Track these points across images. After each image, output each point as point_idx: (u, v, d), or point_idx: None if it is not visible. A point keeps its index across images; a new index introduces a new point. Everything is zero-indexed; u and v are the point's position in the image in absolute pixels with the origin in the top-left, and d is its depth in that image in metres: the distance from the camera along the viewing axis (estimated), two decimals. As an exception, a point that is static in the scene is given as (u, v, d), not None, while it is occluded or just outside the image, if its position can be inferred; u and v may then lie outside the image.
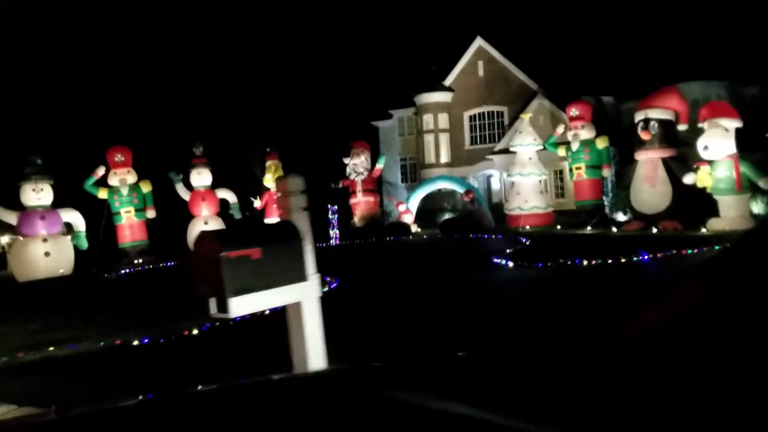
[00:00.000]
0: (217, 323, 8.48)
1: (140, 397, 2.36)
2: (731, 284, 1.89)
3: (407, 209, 29.42)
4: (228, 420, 1.88)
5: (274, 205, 29.68)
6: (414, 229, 28.72)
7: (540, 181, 26.74)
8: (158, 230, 28.69)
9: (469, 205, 27.74)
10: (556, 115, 29.90)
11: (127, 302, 12.50)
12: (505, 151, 30.46)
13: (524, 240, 19.67)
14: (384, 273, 13.52)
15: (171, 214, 29.45)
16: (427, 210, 30.71)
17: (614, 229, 21.04)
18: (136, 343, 7.56)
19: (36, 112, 36.15)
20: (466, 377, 2.03)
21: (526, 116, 27.33)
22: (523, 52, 32.90)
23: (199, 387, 2.84)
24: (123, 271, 22.98)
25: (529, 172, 26.17)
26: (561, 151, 25.42)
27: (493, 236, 22.41)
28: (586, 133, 24.27)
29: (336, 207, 25.03)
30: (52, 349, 7.61)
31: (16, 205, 24.53)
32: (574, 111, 24.42)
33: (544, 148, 26.50)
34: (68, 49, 41.62)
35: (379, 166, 31.05)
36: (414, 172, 36.11)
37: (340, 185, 31.79)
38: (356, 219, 29.60)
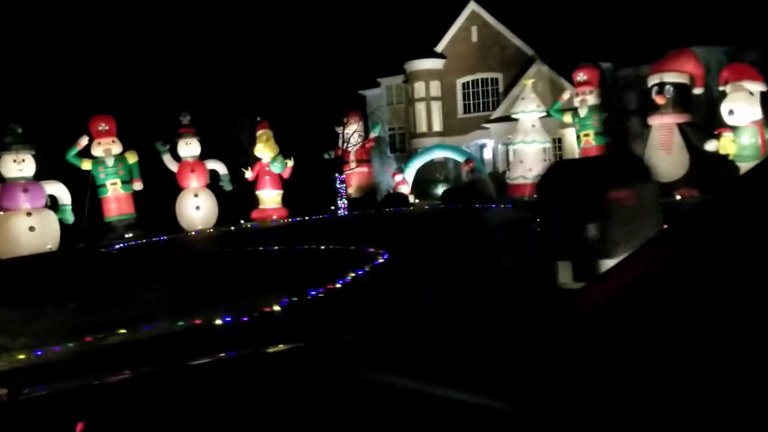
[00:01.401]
0: (294, 298, 7.70)
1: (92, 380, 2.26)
2: (687, 256, 1.74)
3: (403, 180, 28.67)
4: (179, 401, 1.78)
5: (266, 177, 28.61)
6: (411, 199, 28.06)
7: (544, 149, 26.22)
8: (145, 203, 27.39)
9: (469, 175, 27.17)
10: (556, 81, 29.33)
11: (149, 279, 11.54)
12: (503, 119, 29.84)
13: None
14: (427, 243, 12.79)
15: (157, 187, 28.12)
16: (419, 181, 30.00)
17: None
18: (219, 322, 6.72)
19: (11, 77, 34.11)
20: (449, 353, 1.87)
21: (528, 82, 26.69)
22: (518, 17, 32.12)
23: (157, 365, 2.61)
24: (117, 246, 21.80)
25: (532, 140, 25.62)
26: (567, 118, 24.92)
27: (501, 205, 21.86)
28: (594, 99, 23.77)
29: (344, 176, 24.10)
30: (124, 331, 6.69)
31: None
32: (581, 76, 23.88)
33: (548, 115, 25.96)
34: (50, 11, 39.59)
35: (374, 134, 30.21)
36: (403, 142, 35.26)
37: (333, 155, 30.86)
38: (351, 190, 28.73)
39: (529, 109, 25.79)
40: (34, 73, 36.46)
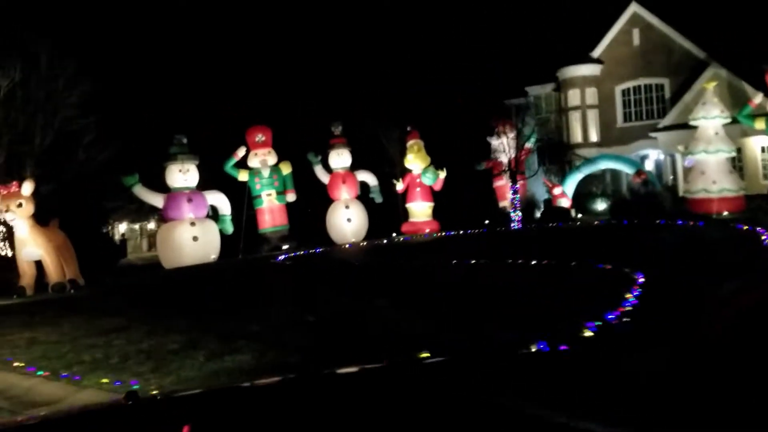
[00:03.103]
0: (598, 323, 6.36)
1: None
2: None
3: (563, 192, 26.81)
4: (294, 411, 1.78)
5: (417, 188, 27.67)
6: (574, 214, 26.17)
7: (727, 159, 23.55)
8: (297, 214, 27.19)
9: (641, 188, 24.92)
10: (736, 85, 26.46)
11: (381, 294, 10.50)
12: (674, 127, 27.30)
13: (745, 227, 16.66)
14: (660, 261, 11.08)
15: (308, 198, 27.88)
16: (577, 194, 27.98)
17: None
18: (533, 349, 5.57)
19: (173, 90, 35.51)
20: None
21: (710, 85, 24.10)
22: (685, 17, 29.49)
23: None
24: (286, 255, 21.36)
25: (716, 149, 23.01)
26: (760, 124, 22.19)
27: (690, 222, 19.54)
28: (796, 103, 20.98)
29: (518, 187, 22.64)
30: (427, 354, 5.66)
31: (155, 187, 23.35)
32: (780, 77, 21.15)
33: (733, 122, 23.33)
34: (209, 28, 41.48)
35: (529, 144, 28.55)
36: (553, 153, 33.25)
37: (484, 167, 29.50)
38: (507, 203, 27.18)
39: (711, 115, 23.24)
40: (194, 85, 37.79)
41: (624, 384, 1.81)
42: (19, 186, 16.99)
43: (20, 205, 16.73)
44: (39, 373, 6.80)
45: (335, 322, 8.04)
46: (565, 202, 26.37)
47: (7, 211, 16.67)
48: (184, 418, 1.80)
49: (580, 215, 26.18)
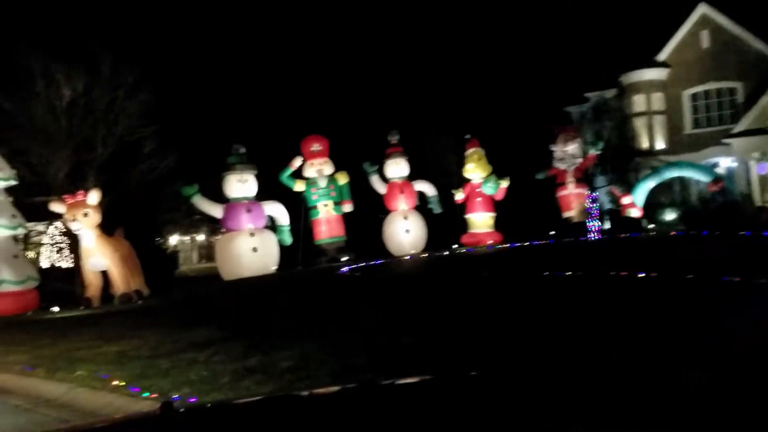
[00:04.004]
0: None
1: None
2: None
3: (632, 202, 25.58)
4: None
5: (477, 198, 26.75)
6: (645, 224, 24.95)
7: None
8: (353, 225, 26.44)
9: (717, 197, 23.62)
10: (818, 87, 25.05)
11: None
12: (750, 132, 25.91)
13: None
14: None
15: (364, 208, 27.15)
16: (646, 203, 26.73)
17: None
18: None
19: (230, 100, 35.48)
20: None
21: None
22: (758, 17, 28.12)
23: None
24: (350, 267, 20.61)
25: (804, 155, 21.67)
26: None
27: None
28: None
29: (597, 194, 21.57)
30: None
31: (213, 198, 22.88)
32: None
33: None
34: (266, 39, 41.61)
35: (594, 152, 27.43)
36: (615, 161, 32.02)
37: (546, 175, 28.41)
38: (573, 213, 26.06)
39: (797, 119, 21.92)
40: (250, 95, 37.69)
41: None
42: (85, 195, 16.61)
43: (86, 214, 16.38)
44: (145, 394, 6.09)
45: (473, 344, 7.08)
46: (635, 212, 25.14)
47: (73, 220, 16.31)
48: (217, 430, 1.74)
49: (651, 225, 24.94)
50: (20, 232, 19.29)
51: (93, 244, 16.75)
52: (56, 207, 16.92)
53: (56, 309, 15.37)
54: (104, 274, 17.40)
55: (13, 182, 18.79)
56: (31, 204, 21.52)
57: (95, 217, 16.57)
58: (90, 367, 7.49)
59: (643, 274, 11.49)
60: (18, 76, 19.89)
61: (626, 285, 10.94)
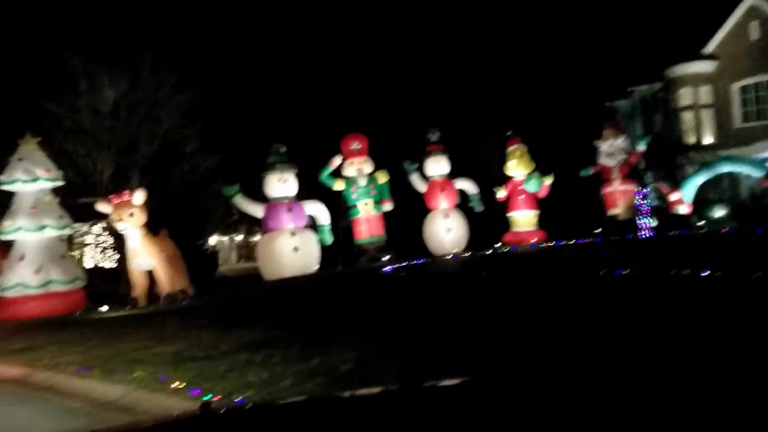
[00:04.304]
0: None
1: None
2: None
3: (680, 199, 24.82)
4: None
5: (520, 196, 26.25)
6: (694, 221, 24.19)
7: None
8: (393, 225, 26.16)
9: (771, 192, 22.78)
10: None
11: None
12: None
13: None
14: None
15: (404, 207, 26.84)
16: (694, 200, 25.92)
17: None
18: None
19: (269, 99, 35.66)
20: None
21: None
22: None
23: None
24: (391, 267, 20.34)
25: None
26: None
27: None
28: None
29: (647, 191, 20.95)
30: None
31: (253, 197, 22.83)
32: None
33: None
34: (303, 37, 41.82)
35: (641, 148, 26.71)
36: (660, 156, 31.18)
37: (591, 172, 27.74)
38: (619, 210, 25.40)
39: None
40: (289, 94, 37.80)
41: None
42: (131, 195, 16.67)
43: (132, 214, 16.42)
44: (207, 397, 5.91)
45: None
46: (684, 209, 24.39)
47: (119, 220, 16.36)
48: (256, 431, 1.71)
49: (701, 222, 24.17)
50: (67, 232, 19.48)
51: (139, 244, 16.79)
52: (103, 207, 17.02)
53: (105, 309, 15.44)
54: (150, 274, 17.45)
55: (59, 183, 19.00)
56: (75, 205, 21.81)
57: (141, 217, 16.62)
58: (147, 369, 7.36)
59: (707, 273, 11.00)
60: (62, 78, 20.14)
61: (685, 283, 10.46)
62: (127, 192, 16.87)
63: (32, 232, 17.89)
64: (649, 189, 21.64)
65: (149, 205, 17.33)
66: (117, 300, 17.77)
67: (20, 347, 11.05)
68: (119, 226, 16.58)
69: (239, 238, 42.69)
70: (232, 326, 9.99)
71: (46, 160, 18.66)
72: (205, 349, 8.16)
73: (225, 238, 40.05)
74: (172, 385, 6.50)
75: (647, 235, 20.08)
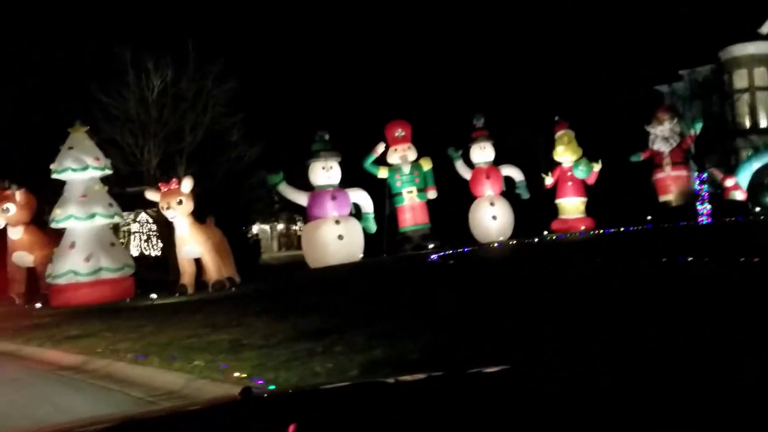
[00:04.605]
0: None
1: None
2: None
3: (736, 184, 23.94)
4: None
5: (568, 183, 25.62)
6: (750, 207, 23.29)
7: None
8: (437, 213, 25.76)
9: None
10: None
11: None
12: None
13: None
14: None
15: (448, 195, 26.41)
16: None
17: None
18: None
19: (312, 86, 35.59)
20: None
21: None
22: None
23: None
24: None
25: None
26: None
27: None
28: None
29: (706, 176, 20.19)
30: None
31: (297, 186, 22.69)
32: None
33: None
34: (347, 24, 41.74)
35: (694, 132, 25.82)
36: (712, 141, 30.11)
37: (642, 158, 26.93)
38: (673, 197, 24.62)
39: None
40: (333, 81, 37.67)
41: None
42: (179, 183, 16.66)
43: (180, 202, 16.42)
44: (271, 387, 5.71)
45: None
46: (740, 195, 23.52)
47: (168, 208, 16.37)
48: (295, 416, 1.69)
49: (758, 209, 23.26)
50: (117, 220, 19.65)
51: (187, 232, 16.81)
52: (151, 195, 17.07)
53: (154, 296, 15.50)
54: (197, 262, 17.47)
55: (108, 171, 19.15)
56: (121, 193, 22.00)
57: (189, 205, 16.61)
58: (206, 357, 7.21)
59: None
60: (110, 67, 20.27)
61: (752, 272, 9.89)
62: (175, 180, 16.87)
63: (83, 221, 18.07)
64: (707, 174, 20.75)
65: (195, 194, 17.32)
66: (165, 288, 17.87)
67: (75, 334, 11.08)
68: (168, 214, 16.60)
69: (280, 226, 42.81)
70: (286, 314, 9.82)
71: (96, 148, 18.82)
72: (263, 338, 7.98)
73: (266, 227, 40.19)
74: (234, 374, 6.33)
75: (706, 222, 19.32)
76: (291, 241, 44.14)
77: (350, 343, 7.12)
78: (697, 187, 20.64)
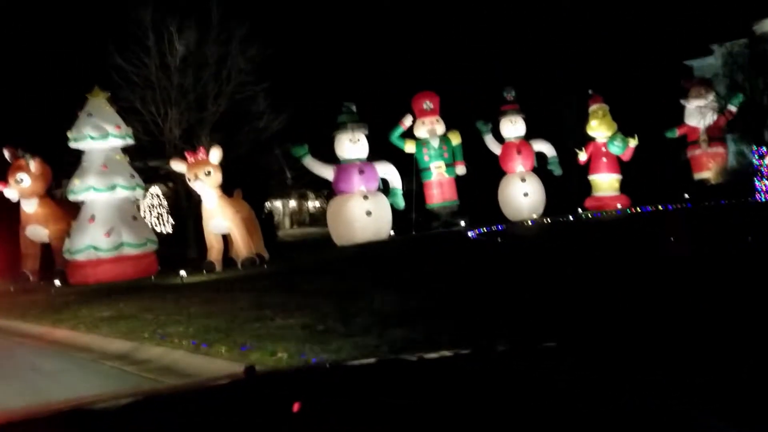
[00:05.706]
0: None
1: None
2: None
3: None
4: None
5: (602, 159, 24.58)
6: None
7: None
8: (466, 189, 24.69)
9: None
10: None
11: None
12: None
13: None
14: None
15: (478, 171, 25.30)
16: None
17: None
18: None
19: (336, 57, 34.36)
20: None
21: None
22: None
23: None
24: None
25: None
26: None
27: None
28: None
29: (764, 150, 19.12)
30: None
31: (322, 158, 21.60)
32: None
33: None
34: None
35: (732, 107, 24.77)
36: (745, 118, 28.97)
37: (677, 134, 25.87)
38: (711, 174, 23.61)
39: None
40: (358, 49, 36.41)
41: None
42: (207, 153, 15.57)
43: (209, 173, 15.35)
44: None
45: None
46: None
47: (195, 179, 15.30)
48: (300, 394, 1.65)
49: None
50: (139, 192, 18.57)
51: (215, 205, 15.76)
52: (177, 166, 16.01)
53: (183, 274, 14.49)
54: (224, 238, 16.46)
55: (130, 141, 18.05)
56: (142, 167, 20.91)
57: (217, 177, 15.54)
58: (286, 347, 6.21)
59: None
60: (130, 30, 19.04)
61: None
62: (202, 149, 15.75)
63: (103, 192, 17.01)
64: (765, 149, 19.64)
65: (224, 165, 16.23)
66: (185, 264, 16.78)
67: (109, 315, 10.10)
68: (196, 186, 15.52)
69: (293, 203, 41.76)
70: (349, 295, 8.83)
71: (116, 115, 17.69)
72: (340, 322, 6.98)
73: (278, 203, 39.12)
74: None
75: (763, 199, 18.29)
76: (302, 218, 43.11)
77: (413, 326, 6.18)
78: (755, 162, 19.55)
